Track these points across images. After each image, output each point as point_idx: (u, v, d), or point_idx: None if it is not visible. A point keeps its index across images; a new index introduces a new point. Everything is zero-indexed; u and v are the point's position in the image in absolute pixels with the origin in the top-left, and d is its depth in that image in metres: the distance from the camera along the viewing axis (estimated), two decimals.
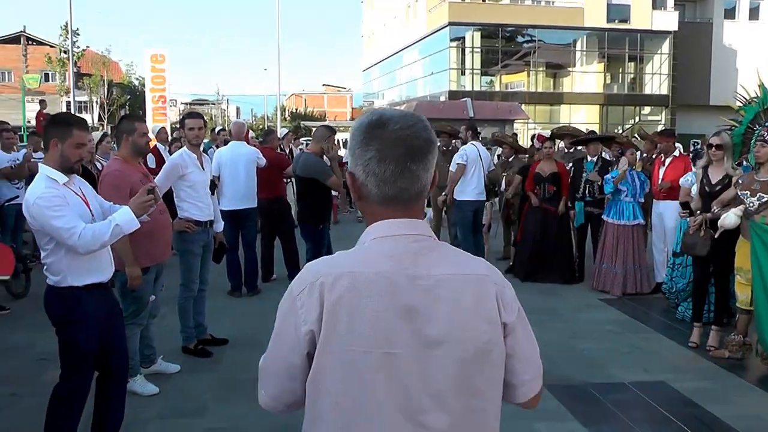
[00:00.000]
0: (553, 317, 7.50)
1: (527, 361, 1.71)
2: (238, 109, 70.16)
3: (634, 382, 5.54)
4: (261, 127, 50.81)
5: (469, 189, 9.15)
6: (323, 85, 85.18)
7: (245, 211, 7.98)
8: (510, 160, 10.56)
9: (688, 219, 6.56)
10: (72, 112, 25.67)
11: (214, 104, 66.65)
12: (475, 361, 1.56)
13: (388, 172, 1.57)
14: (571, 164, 9.41)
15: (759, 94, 6.54)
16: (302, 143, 17.30)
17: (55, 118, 3.98)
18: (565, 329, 7.06)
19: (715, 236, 6.06)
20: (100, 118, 41.08)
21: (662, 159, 8.35)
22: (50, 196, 3.55)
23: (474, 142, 9.39)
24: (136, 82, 48.37)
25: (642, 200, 8.54)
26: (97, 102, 42.58)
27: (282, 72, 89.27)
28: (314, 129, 8.43)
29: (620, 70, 41.88)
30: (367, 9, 57.74)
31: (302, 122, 48.61)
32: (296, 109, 68.51)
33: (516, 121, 27.77)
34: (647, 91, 41.27)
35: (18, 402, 5.00)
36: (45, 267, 3.73)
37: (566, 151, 11.68)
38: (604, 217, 8.67)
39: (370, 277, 1.54)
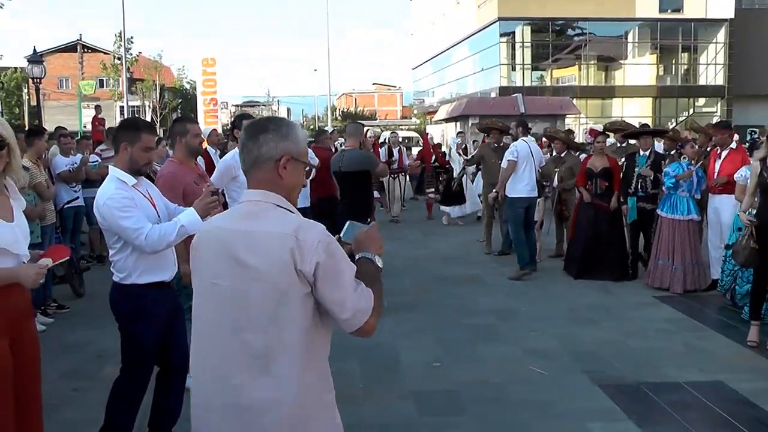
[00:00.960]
0: (606, 315, 7.41)
1: (339, 305, 2.20)
2: (288, 110, 70.94)
3: (689, 382, 5.42)
4: (312, 127, 51.27)
5: (521, 185, 9.06)
6: (373, 84, 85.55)
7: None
8: (562, 155, 10.45)
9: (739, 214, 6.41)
10: (126, 116, 26.27)
11: (265, 106, 67.46)
12: (277, 298, 2.15)
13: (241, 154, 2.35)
14: (623, 159, 9.25)
15: None
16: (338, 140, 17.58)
17: (125, 123, 4.14)
18: (619, 328, 6.95)
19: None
20: (152, 122, 41.96)
21: (718, 152, 8.17)
22: (119, 198, 3.67)
23: (525, 138, 9.30)
24: (188, 86, 49.25)
25: (698, 196, 8.36)
26: (149, 106, 43.48)
27: (332, 72, 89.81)
28: (346, 126, 8.45)
29: (673, 61, 41.04)
30: (416, 6, 57.68)
31: (354, 122, 48.84)
32: (347, 109, 68.98)
33: (567, 115, 27.50)
34: (702, 82, 40.32)
35: (80, 396, 5.15)
36: (112, 264, 3.85)
37: (618, 145, 11.51)
38: (658, 211, 8.52)
39: (211, 230, 2.33)
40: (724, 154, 8.05)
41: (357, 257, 2.40)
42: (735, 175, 7.36)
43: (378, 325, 2.29)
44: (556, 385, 5.36)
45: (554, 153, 10.83)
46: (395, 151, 15.62)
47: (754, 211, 6.35)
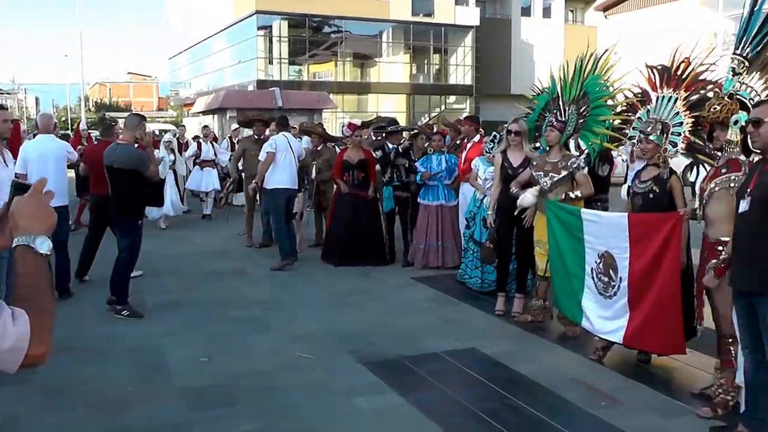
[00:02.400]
0: (368, 298, 7.70)
1: None
2: (37, 99, 64.71)
3: (446, 351, 5.83)
4: (63, 118, 47.59)
5: (281, 177, 9.12)
6: (128, 73, 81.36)
7: (56, 209, 7.37)
8: (319, 148, 10.65)
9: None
10: None
11: (9, 94, 60.79)
12: None
13: None
14: (377, 151, 9.65)
15: (549, 85, 7.13)
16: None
17: None
18: (380, 308, 7.27)
19: (515, 213, 6.48)
20: None
21: (466, 143, 8.83)
22: None
23: (284, 133, 9.40)
24: None
25: (448, 182, 8.94)
26: None
27: (84, 59, 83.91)
28: (125, 118, 7.96)
29: (426, 62, 43.42)
30: None
31: (107, 113, 46.06)
32: (100, 99, 64.82)
33: (325, 110, 27.99)
34: (452, 81, 43.09)
35: None
36: None
37: (373, 139, 11.96)
38: (419, 200, 9.06)
39: None
40: (469, 145, 8.71)
41: (13, 244, 1.70)
42: (472, 164, 8.03)
43: (49, 350, 1.65)
44: (323, 367, 5.47)
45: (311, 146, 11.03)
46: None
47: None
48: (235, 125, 16.35)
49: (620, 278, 5.42)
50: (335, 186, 9.64)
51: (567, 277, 5.97)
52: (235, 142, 14.99)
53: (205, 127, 15.81)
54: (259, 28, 37.09)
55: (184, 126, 16.12)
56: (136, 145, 6.87)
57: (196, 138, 15.51)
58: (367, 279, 8.59)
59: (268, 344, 6.07)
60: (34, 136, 9.64)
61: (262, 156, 9.27)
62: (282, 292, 7.95)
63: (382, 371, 5.36)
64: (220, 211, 13.30)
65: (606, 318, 5.58)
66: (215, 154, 14.11)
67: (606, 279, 5.57)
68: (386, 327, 6.59)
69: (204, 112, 29.01)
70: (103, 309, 7.03)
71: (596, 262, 5.64)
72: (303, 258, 9.62)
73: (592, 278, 5.71)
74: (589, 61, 6.82)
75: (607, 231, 5.52)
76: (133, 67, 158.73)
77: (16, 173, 6.63)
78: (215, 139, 15.59)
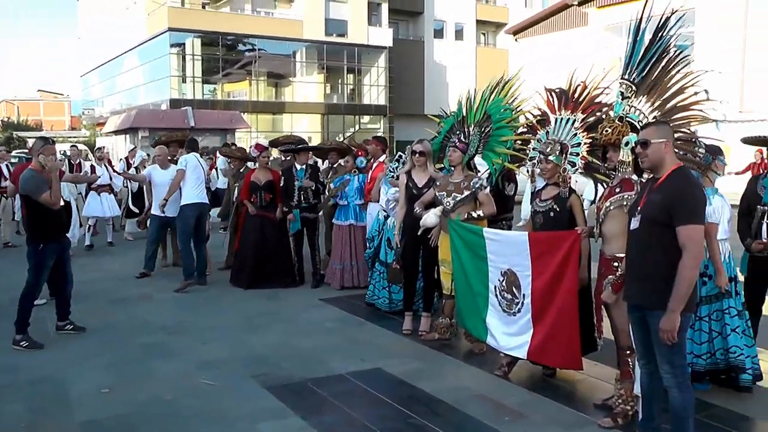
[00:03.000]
0: (275, 320, 7.61)
1: None
2: None
3: (351, 372, 5.80)
4: None
5: (190, 193, 9.09)
6: (39, 90, 78.31)
7: None
8: (242, 171, 10.52)
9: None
10: None
11: None
12: None
13: None
14: (281, 173, 9.58)
15: (456, 109, 7.30)
16: (14, 157, 15.61)
17: None
18: (288, 330, 7.18)
19: (418, 233, 6.53)
20: None
21: (373, 163, 8.88)
22: None
23: (193, 153, 9.40)
24: None
25: (360, 202, 8.96)
26: None
27: None
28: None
29: (340, 81, 43.54)
30: (83, 8, 53.76)
31: (15, 132, 44.28)
32: (8, 118, 62.13)
33: (238, 130, 27.75)
34: (366, 101, 43.32)
35: None
36: None
37: (282, 159, 11.87)
38: (333, 220, 9.11)
39: None
40: (375, 164, 8.78)
41: None
42: (377, 181, 8.22)
43: None
44: (227, 394, 5.35)
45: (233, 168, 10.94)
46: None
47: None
48: (131, 146, 15.96)
49: (523, 295, 5.53)
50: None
51: (471, 295, 6.04)
52: (132, 162, 14.52)
53: (100, 149, 15.01)
54: (172, 46, 36.41)
55: (76, 146, 15.09)
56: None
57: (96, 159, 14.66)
58: (275, 301, 8.48)
59: (173, 371, 5.90)
60: None
61: (171, 175, 9.23)
62: (189, 316, 7.76)
63: (287, 395, 5.28)
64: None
65: (510, 334, 5.68)
66: (110, 178, 12.93)
67: (509, 296, 5.67)
68: (293, 349, 6.52)
69: (116, 132, 28.32)
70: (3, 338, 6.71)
71: (499, 280, 5.74)
72: (212, 281, 9.45)
73: (496, 296, 5.80)
74: (495, 86, 6.99)
75: (509, 249, 5.62)
76: (44, 84, 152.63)
77: None
78: (110, 162, 14.73)
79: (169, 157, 10.51)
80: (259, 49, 38.68)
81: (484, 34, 49.07)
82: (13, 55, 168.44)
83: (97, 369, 5.96)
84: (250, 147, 10.89)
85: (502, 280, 5.71)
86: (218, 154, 13.76)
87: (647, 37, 5.31)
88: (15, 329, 6.59)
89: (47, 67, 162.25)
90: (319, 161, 11.37)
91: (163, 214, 9.31)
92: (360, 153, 9.37)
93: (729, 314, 5.15)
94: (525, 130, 6.66)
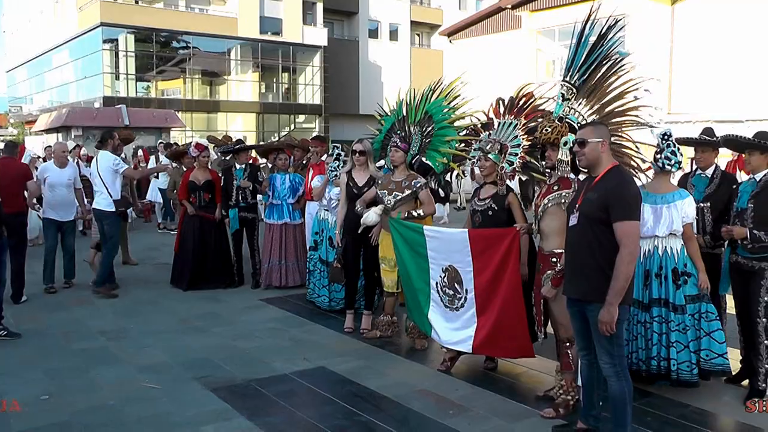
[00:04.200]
0: (215, 321, 7.54)
1: None
2: None
3: (295, 372, 5.81)
4: None
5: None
6: None
7: None
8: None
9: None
10: None
11: None
12: None
13: None
14: (220, 173, 9.50)
15: (396, 108, 7.35)
16: None
17: None
18: (228, 332, 7.13)
19: (359, 231, 6.58)
20: None
21: (313, 163, 8.89)
22: None
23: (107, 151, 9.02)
24: None
25: (292, 201, 9.00)
26: None
27: None
28: None
29: (275, 80, 43.22)
30: (10, 0, 51.88)
31: None
32: None
33: (173, 128, 27.28)
34: (301, 100, 43.12)
35: None
36: None
37: (222, 159, 11.76)
38: (264, 218, 9.07)
39: None
40: (316, 163, 8.80)
41: None
42: (313, 183, 8.29)
43: None
44: (170, 397, 5.28)
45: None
46: None
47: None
48: (72, 143, 15.55)
49: (466, 290, 5.64)
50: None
51: (414, 292, 6.11)
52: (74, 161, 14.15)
53: (48, 147, 14.68)
54: (104, 42, 35.49)
55: None
56: None
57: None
58: (215, 302, 8.39)
59: (114, 376, 5.78)
60: None
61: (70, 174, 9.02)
62: (128, 320, 7.60)
63: (231, 396, 5.25)
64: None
65: (454, 329, 5.78)
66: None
67: (451, 292, 5.76)
68: (235, 351, 6.47)
69: (47, 131, 27.45)
70: None
71: (441, 277, 5.83)
72: (151, 283, 9.33)
73: (438, 292, 5.89)
74: (435, 87, 7.08)
75: (449, 246, 5.72)
76: None
77: None
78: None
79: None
80: (193, 47, 38.10)
81: (418, 35, 49.45)
82: None
83: (35, 376, 5.79)
84: (188, 147, 10.71)
85: (444, 277, 5.81)
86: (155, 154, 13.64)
87: (590, 41, 5.42)
88: None
89: None
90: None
91: (58, 218, 8.91)
92: (288, 152, 9.37)
93: (706, 318, 5.18)
94: (468, 132, 6.76)
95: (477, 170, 5.97)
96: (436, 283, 5.89)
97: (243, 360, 6.17)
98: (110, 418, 4.90)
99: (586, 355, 4.32)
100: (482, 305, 5.54)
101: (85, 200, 9.49)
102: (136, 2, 37.67)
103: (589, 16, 5.45)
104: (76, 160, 13.20)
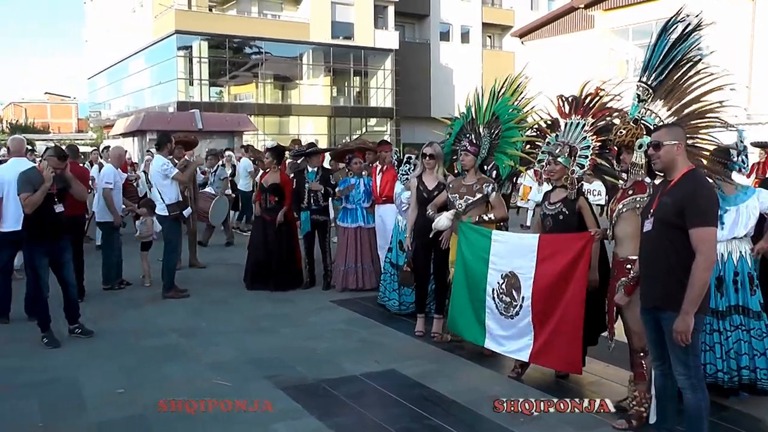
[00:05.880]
0: (286, 322, 7.63)
1: None
2: None
3: (365, 374, 5.83)
4: None
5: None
6: (46, 93, 78.40)
7: (10, 234, 7.21)
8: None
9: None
10: None
11: None
12: None
13: None
14: (292, 176, 9.61)
15: (465, 110, 7.27)
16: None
17: None
18: (299, 332, 7.21)
19: (430, 236, 6.55)
20: None
21: (377, 167, 8.90)
22: None
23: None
24: None
25: (367, 205, 9.02)
26: None
27: None
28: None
29: (346, 84, 43.56)
30: (91, 11, 53.92)
31: (23, 135, 44.15)
32: (16, 121, 62.28)
33: (245, 132, 27.80)
34: (373, 103, 43.34)
35: None
36: None
37: (297, 162, 11.91)
38: (338, 222, 9.14)
39: None
40: (385, 168, 8.83)
41: None
42: (395, 189, 8.24)
43: None
44: (240, 394, 5.36)
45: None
46: None
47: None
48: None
49: (523, 297, 5.54)
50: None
51: (469, 299, 6.05)
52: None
53: (105, 150, 14.83)
54: (178, 49, 36.50)
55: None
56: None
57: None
58: (286, 303, 8.50)
59: (185, 373, 5.93)
60: None
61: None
62: (199, 319, 7.79)
63: (301, 396, 5.31)
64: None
65: (509, 337, 5.70)
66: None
67: (507, 299, 5.68)
68: (305, 351, 6.54)
69: (124, 134, 28.40)
70: (14, 339, 6.84)
71: (498, 283, 5.75)
72: (223, 283, 9.52)
73: (493, 299, 5.81)
74: (501, 85, 7.01)
75: (514, 251, 5.66)
76: (51, 87, 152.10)
77: None
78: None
79: (176, 160, 10.51)
80: (265, 52, 38.73)
81: (490, 36, 49.04)
82: (21, 57, 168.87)
83: (110, 370, 6.01)
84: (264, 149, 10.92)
85: (502, 283, 5.73)
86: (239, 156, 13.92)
87: (669, 40, 5.27)
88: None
89: (55, 69, 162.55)
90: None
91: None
92: (361, 156, 9.39)
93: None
94: (535, 133, 6.68)
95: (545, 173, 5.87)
96: (493, 290, 5.81)
97: (313, 360, 6.23)
98: (182, 414, 5.02)
99: (660, 366, 4.20)
100: (540, 313, 5.43)
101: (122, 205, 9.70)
102: (210, 10, 38.59)
103: (676, 14, 5.29)
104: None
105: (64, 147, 9.07)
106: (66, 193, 7.06)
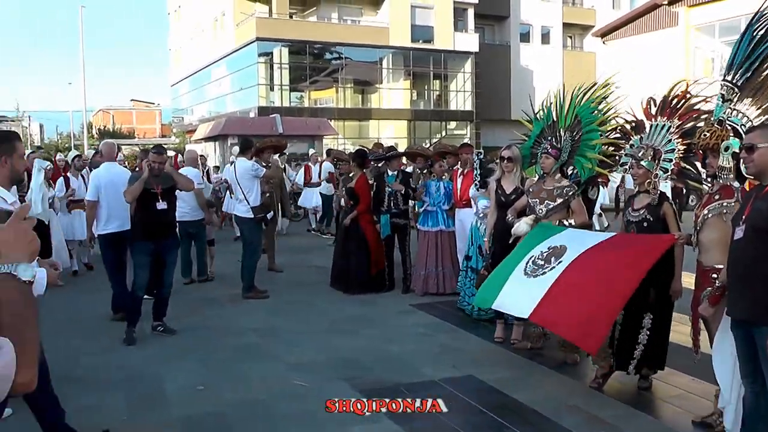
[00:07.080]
0: (365, 324, 7.69)
1: None
2: (41, 126, 64.61)
3: (443, 378, 5.80)
4: (67, 145, 47.49)
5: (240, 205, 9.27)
6: (131, 100, 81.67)
7: (121, 234, 7.55)
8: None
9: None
10: None
11: (13, 121, 60.38)
12: None
13: None
14: (372, 180, 9.69)
15: (545, 112, 7.12)
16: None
17: None
18: (378, 335, 7.24)
19: (509, 241, 6.43)
20: None
21: (458, 170, 8.86)
22: None
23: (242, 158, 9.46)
24: None
25: (446, 207, 8.98)
26: None
27: (87, 86, 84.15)
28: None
29: (426, 87, 43.57)
30: (175, 21, 55.81)
31: (110, 140, 45.70)
32: (104, 126, 64.98)
33: (326, 136, 28.11)
34: (452, 107, 43.23)
35: None
36: None
37: (378, 166, 11.98)
38: (418, 226, 9.17)
39: None
40: (465, 171, 8.76)
41: None
42: (470, 192, 8.16)
43: (35, 378, 1.64)
44: (318, 396, 5.42)
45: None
46: None
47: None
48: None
49: (560, 262, 5.29)
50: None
51: (496, 274, 5.90)
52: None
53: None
54: (259, 55, 37.27)
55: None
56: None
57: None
58: (365, 306, 8.57)
59: (264, 372, 6.06)
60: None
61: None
62: (278, 319, 7.94)
63: (378, 399, 5.30)
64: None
65: (518, 294, 5.44)
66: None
67: (541, 262, 5.45)
68: (383, 354, 6.57)
69: (206, 139, 29.15)
70: (98, 337, 7.10)
71: (542, 252, 5.54)
72: (303, 285, 9.67)
73: (525, 263, 5.57)
74: (587, 89, 6.85)
75: (579, 236, 5.58)
76: (137, 94, 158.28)
77: (88, 199, 7.59)
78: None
79: (263, 164, 10.68)
80: (345, 57, 39.11)
81: (570, 37, 48.18)
82: (109, 67, 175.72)
83: (191, 367, 6.20)
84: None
85: (545, 252, 5.50)
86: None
87: (755, 35, 5.01)
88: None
89: (140, 77, 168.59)
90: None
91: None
92: (437, 159, 9.36)
93: None
94: (618, 135, 6.51)
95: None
96: (532, 257, 5.55)
97: (391, 363, 6.26)
98: (260, 412, 5.13)
99: (752, 383, 3.90)
100: (567, 277, 5.12)
101: None
102: (290, 17, 39.20)
103: (763, 7, 5.01)
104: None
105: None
106: (172, 192, 7.26)
